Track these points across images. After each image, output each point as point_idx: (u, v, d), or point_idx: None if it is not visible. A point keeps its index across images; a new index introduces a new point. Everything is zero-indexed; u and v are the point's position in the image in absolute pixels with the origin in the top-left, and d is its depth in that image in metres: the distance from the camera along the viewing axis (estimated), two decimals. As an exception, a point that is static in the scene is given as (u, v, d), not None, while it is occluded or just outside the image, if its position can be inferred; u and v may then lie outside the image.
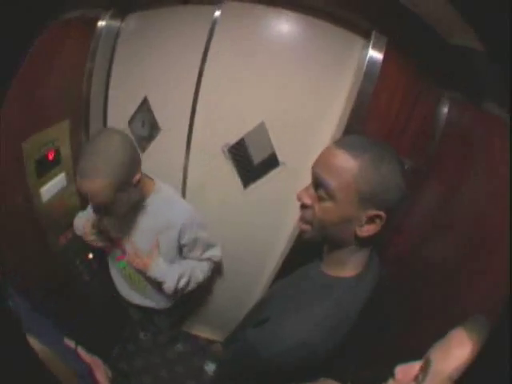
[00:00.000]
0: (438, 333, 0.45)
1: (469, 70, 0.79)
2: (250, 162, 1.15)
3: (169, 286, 1.06)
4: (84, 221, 1.11)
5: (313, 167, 0.64)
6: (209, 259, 1.18)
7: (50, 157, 1.19)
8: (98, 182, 0.83)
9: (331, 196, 0.59)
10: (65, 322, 0.99)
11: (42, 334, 0.80)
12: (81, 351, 0.96)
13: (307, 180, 1.16)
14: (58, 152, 1.20)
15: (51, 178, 1.20)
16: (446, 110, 0.94)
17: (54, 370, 0.66)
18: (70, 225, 1.28)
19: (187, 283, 1.10)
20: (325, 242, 0.69)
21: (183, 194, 1.24)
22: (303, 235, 0.69)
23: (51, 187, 1.20)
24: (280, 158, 1.16)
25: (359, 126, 0.93)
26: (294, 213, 1.18)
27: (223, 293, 1.45)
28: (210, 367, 1.64)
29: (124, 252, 1.09)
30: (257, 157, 1.14)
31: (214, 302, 1.51)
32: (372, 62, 0.88)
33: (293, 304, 0.69)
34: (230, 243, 1.29)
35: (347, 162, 0.57)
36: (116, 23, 1.20)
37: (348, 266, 0.66)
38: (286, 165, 1.18)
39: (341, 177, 0.58)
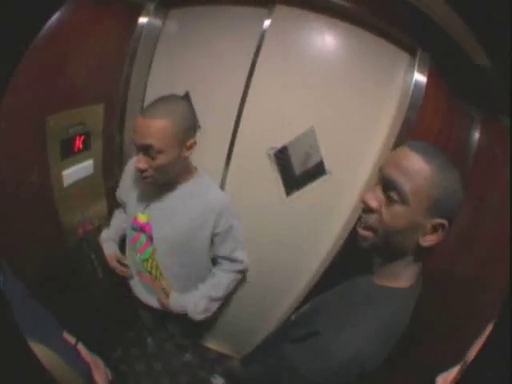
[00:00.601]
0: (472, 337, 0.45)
1: (494, 90, 0.79)
2: (296, 168, 1.06)
3: (191, 314, 1.07)
4: (110, 251, 1.12)
5: (382, 168, 0.61)
6: (235, 271, 1.12)
7: (79, 140, 1.12)
8: (159, 121, 0.83)
9: (403, 199, 0.56)
10: (66, 315, 0.90)
11: (37, 323, 0.79)
12: (81, 348, 0.90)
13: (352, 191, 1.12)
14: (88, 136, 1.13)
15: (77, 163, 1.12)
16: (477, 134, 0.95)
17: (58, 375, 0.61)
18: (91, 216, 1.21)
19: (210, 304, 1.09)
20: (382, 252, 0.65)
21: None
22: (362, 243, 0.64)
23: (75, 172, 1.12)
24: (327, 166, 1.07)
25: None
26: (336, 225, 1.14)
27: (245, 307, 1.35)
28: (218, 381, 1.54)
29: (151, 239, 1.01)
30: (303, 163, 1.06)
31: (233, 315, 1.41)
32: (417, 81, 0.90)
33: (343, 318, 0.65)
34: (263, 254, 1.20)
35: (421, 166, 0.56)
36: (160, 16, 1.18)
37: (403, 278, 0.64)
38: (332, 174, 1.08)
39: (414, 180, 0.56)
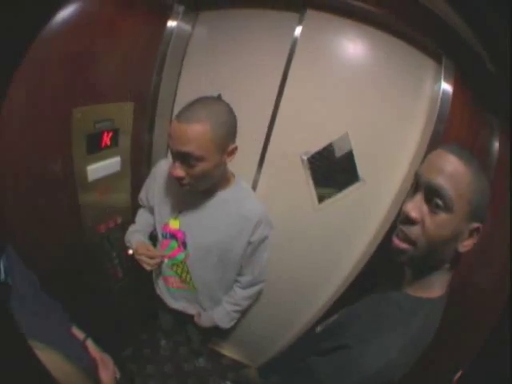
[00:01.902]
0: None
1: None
2: (330, 174, 1.02)
3: (220, 325, 1.10)
4: (138, 239, 1.05)
5: (423, 174, 0.57)
6: (258, 283, 1.09)
7: (107, 136, 1.10)
8: (199, 127, 0.76)
9: (449, 206, 0.53)
10: (77, 310, 0.89)
11: (44, 316, 0.76)
12: (90, 344, 0.88)
13: (384, 200, 1.08)
14: (116, 133, 1.12)
15: (103, 159, 1.10)
16: (497, 144, 0.92)
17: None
18: (114, 214, 1.20)
19: (235, 314, 1.11)
20: (419, 264, 0.61)
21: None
22: (400, 257, 0.60)
23: (101, 168, 1.11)
24: (360, 173, 1.04)
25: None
26: (367, 234, 1.09)
27: (266, 315, 1.31)
28: (229, 388, 1.50)
29: (184, 245, 0.97)
30: (337, 169, 1.02)
31: (252, 323, 1.37)
32: (444, 89, 0.89)
33: (373, 330, 0.63)
34: (290, 261, 1.17)
35: (463, 170, 0.54)
36: (190, 19, 1.18)
37: (436, 287, 0.62)
38: (365, 181, 1.04)
39: (458, 184, 0.53)
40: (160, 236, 1.03)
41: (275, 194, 1.12)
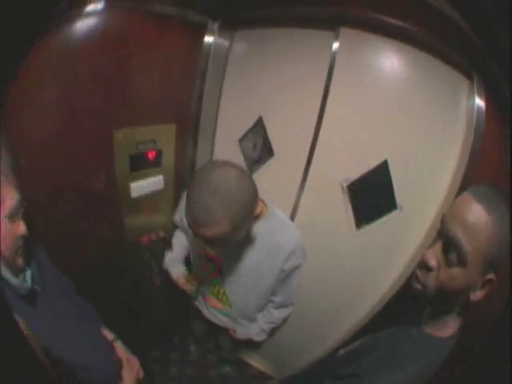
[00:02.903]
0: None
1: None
2: (369, 200, 1.03)
3: (254, 339, 1.15)
4: (178, 272, 1.12)
5: (446, 221, 0.57)
6: (289, 306, 1.13)
7: (150, 156, 1.17)
8: (218, 230, 0.71)
9: (463, 262, 0.53)
10: (108, 313, 0.97)
11: (75, 317, 0.82)
12: (118, 346, 0.94)
13: (420, 228, 1.06)
14: (159, 153, 1.18)
15: (147, 177, 1.18)
16: None
17: None
18: (157, 227, 1.28)
19: (269, 329, 1.16)
20: (432, 305, 0.64)
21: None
22: (414, 294, 0.62)
23: (145, 185, 1.18)
24: (398, 201, 1.03)
25: (472, 175, 0.90)
26: (400, 262, 1.08)
27: (298, 332, 1.34)
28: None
29: (220, 270, 1.03)
30: (375, 196, 1.02)
31: (283, 338, 1.40)
32: (478, 106, 0.86)
33: (385, 364, 0.65)
34: (322, 283, 1.19)
35: (483, 220, 0.52)
36: (226, 36, 1.20)
37: (449, 327, 0.63)
38: (402, 209, 1.04)
39: (477, 238, 0.52)
40: (197, 257, 1.08)
41: (315, 217, 1.13)
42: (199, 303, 1.20)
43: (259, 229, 0.92)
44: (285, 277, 0.99)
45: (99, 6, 0.87)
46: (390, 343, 0.69)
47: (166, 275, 1.33)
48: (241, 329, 1.14)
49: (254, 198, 0.77)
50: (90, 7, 0.86)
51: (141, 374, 0.95)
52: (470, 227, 0.53)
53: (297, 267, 0.98)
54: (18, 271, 0.68)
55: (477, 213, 0.53)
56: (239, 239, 0.82)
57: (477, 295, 0.56)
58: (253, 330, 1.13)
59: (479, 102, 0.86)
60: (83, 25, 0.86)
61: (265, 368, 1.61)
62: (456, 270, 0.54)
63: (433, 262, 0.57)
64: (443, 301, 0.59)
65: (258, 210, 0.80)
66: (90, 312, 0.94)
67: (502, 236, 0.52)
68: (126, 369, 0.90)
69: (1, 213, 0.61)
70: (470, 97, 0.89)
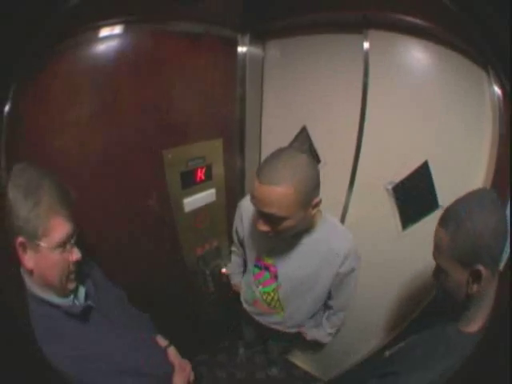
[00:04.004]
0: None
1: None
2: (412, 201, 1.09)
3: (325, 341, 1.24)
4: (236, 281, 1.30)
5: None
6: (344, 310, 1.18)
7: (201, 172, 1.25)
8: (282, 190, 0.75)
9: (441, 269, 0.69)
10: (167, 321, 1.04)
11: (130, 326, 0.87)
12: (171, 351, 1.01)
13: None
14: (209, 168, 1.26)
15: (199, 192, 1.26)
16: None
17: None
18: (211, 238, 1.36)
19: (333, 332, 1.23)
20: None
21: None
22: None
23: (198, 200, 1.27)
24: (439, 199, 1.08)
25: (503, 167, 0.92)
26: None
27: (344, 334, 1.37)
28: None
29: (275, 277, 1.09)
30: (419, 197, 1.08)
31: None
32: (498, 95, 0.90)
33: (420, 361, 0.73)
34: (375, 284, 1.23)
35: (443, 237, 0.66)
36: (258, 46, 1.25)
37: (474, 321, 0.69)
38: (443, 207, 1.09)
39: (442, 252, 0.67)
40: (253, 266, 1.13)
41: (363, 220, 1.19)
42: (250, 308, 1.25)
43: (315, 235, 0.98)
44: (339, 281, 1.03)
45: (116, 30, 0.89)
46: (427, 343, 0.77)
47: (219, 283, 1.43)
48: (310, 332, 1.21)
49: (316, 178, 0.82)
50: (106, 31, 0.87)
51: (191, 377, 1.01)
52: (436, 245, 0.70)
53: (351, 271, 1.01)
54: (67, 293, 0.73)
55: (438, 233, 0.69)
56: (297, 227, 0.86)
57: (472, 288, 0.65)
58: (319, 334, 1.21)
59: (497, 91, 0.90)
60: (110, 46, 0.89)
61: (311, 369, 1.66)
62: (443, 276, 0.69)
63: (434, 278, 0.74)
64: (451, 299, 0.71)
65: (315, 208, 0.85)
66: (145, 320, 1.01)
67: (461, 235, 0.63)
68: (177, 373, 0.96)
69: (49, 245, 0.63)
70: (490, 87, 0.92)
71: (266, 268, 1.09)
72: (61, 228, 0.65)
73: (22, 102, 0.76)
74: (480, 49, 0.88)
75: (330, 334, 1.21)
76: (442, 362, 0.68)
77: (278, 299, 1.11)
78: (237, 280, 1.30)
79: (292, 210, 0.79)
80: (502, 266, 0.71)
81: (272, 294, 1.12)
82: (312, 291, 1.05)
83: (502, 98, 0.89)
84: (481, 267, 0.62)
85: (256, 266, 1.11)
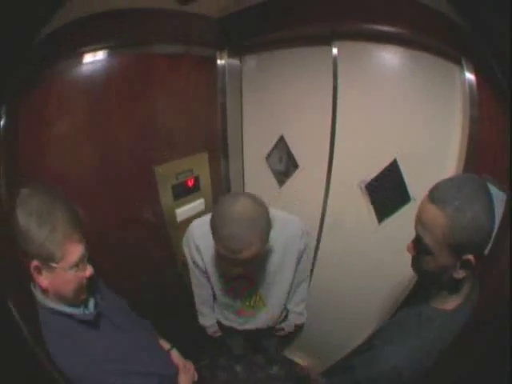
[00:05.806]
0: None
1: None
2: (385, 197, 1.18)
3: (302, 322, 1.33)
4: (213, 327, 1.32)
5: (415, 221, 0.71)
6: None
7: (190, 183, 1.35)
8: (252, 249, 0.83)
9: (428, 251, 0.67)
10: (166, 326, 1.08)
11: (135, 331, 0.91)
12: (174, 353, 1.05)
13: None
14: (197, 180, 1.36)
15: (189, 202, 1.36)
16: None
17: None
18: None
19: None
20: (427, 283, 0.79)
21: (320, 228, 1.32)
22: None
23: (189, 210, 1.36)
24: (411, 193, 1.17)
25: (475, 157, 0.96)
26: None
27: (336, 326, 1.46)
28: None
29: (252, 281, 1.15)
30: (390, 192, 1.17)
31: (323, 332, 1.52)
32: (470, 86, 0.92)
33: (396, 334, 0.79)
34: (356, 277, 1.31)
35: (437, 217, 0.63)
36: (236, 61, 1.35)
37: (450, 300, 0.72)
38: (416, 200, 1.18)
39: (433, 233, 0.64)
40: (224, 284, 1.14)
41: (341, 217, 1.27)
42: (233, 323, 1.29)
43: (272, 235, 0.99)
44: (299, 258, 1.15)
45: (98, 56, 0.94)
46: (402, 318, 0.84)
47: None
48: (284, 324, 1.29)
49: (267, 209, 0.87)
50: (89, 57, 0.92)
51: (196, 377, 1.06)
52: (426, 224, 0.66)
53: (306, 247, 1.14)
54: (79, 304, 0.76)
55: (431, 212, 0.65)
56: (267, 248, 0.95)
57: (459, 273, 0.66)
58: (292, 318, 1.28)
59: (470, 80, 0.92)
60: (96, 70, 0.95)
61: (310, 364, 1.70)
62: (427, 257, 0.68)
63: (410, 251, 0.73)
64: (429, 279, 0.75)
65: None
66: (147, 325, 1.05)
67: (461, 226, 0.61)
68: (182, 373, 1.01)
69: (65, 266, 0.65)
70: (461, 75, 0.95)
71: (241, 277, 1.14)
72: (75, 251, 0.67)
73: (13, 126, 0.80)
74: (456, 43, 0.91)
75: (300, 313, 1.30)
76: (415, 337, 0.71)
77: (260, 297, 1.20)
78: (213, 324, 1.31)
79: (261, 249, 0.88)
80: (486, 251, 0.70)
81: (254, 297, 1.20)
82: (286, 277, 1.15)
83: (475, 83, 0.91)
84: (471, 257, 0.63)
85: (229, 283, 1.15)
